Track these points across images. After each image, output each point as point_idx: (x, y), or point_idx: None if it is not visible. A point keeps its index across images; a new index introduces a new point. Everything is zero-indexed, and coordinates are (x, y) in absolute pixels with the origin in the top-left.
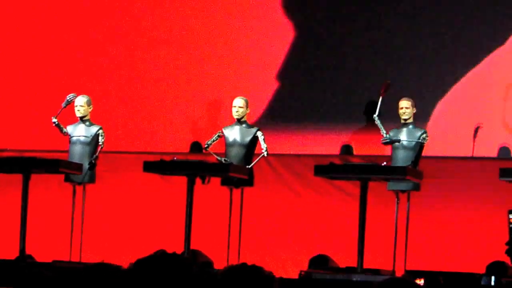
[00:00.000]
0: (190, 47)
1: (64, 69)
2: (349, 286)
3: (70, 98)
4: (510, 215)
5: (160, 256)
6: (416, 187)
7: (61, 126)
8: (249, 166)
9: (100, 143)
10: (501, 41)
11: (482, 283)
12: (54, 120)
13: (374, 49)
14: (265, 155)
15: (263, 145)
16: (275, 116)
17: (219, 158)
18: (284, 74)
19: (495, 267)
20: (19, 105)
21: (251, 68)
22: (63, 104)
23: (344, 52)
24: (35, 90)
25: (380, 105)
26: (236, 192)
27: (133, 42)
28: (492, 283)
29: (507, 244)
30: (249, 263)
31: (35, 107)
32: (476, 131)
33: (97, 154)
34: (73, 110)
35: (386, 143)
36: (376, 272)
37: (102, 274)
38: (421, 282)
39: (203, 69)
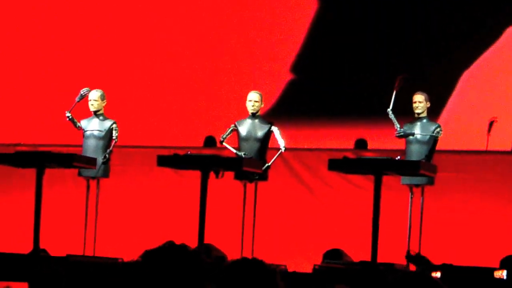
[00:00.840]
0: (202, 43)
1: (78, 64)
2: (364, 277)
3: (84, 93)
4: None
5: (168, 247)
6: (430, 182)
7: (75, 120)
8: (268, 164)
9: (114, 138)
10: None
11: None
12: (68, 114)
13: (390, 43)
14: (283, 151)
15: (281, 141)
16: (288, 109)
17: (236, 152)
18: (298, 67)
19: (509, 261)
20: (33, 100)
21: (264, 61)
22: (76, 99)
23: (358, 46)
24: (49, 85)
25: (394, 99)
26: (250, 186)
27: (146, 37)
28: (505, 277)
29: None
30: (263, 258)
31: (49, 102)
32: (490, 125)
33: (111, 148)
34: (87, 104)
35: (400, 137)
36: (390, 266)
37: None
38: (437, 275)
39: (216, 63)
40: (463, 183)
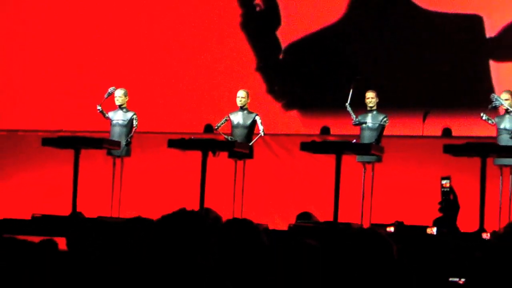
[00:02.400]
0: (203, 47)
1: (106, 66)
2: (328, 234)
3: (111, 91)
4: (442, 180)
5: (181, 212)
6: (379, 159)
7: (104, 112)
8: (250, 144)
9: (134, 126)
10: None
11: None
12: (99, 107)
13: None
14: (262, 135)
15: (260, 127)
16: (270, 102)
17: (226, 137)
18: (279, 71)
19: (438, 221)
20: (71, 96)
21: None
22: (105, 95)
23: (324, 55)
24: (84, 83)
25: (351, 95)
26: (240, 163)
27: (162, 44)
28: (435, 233)
29: (439, 203)
30: (249, 218)
31: (84, 97)
32: (425, 115)
33: (132, 134)
34: (113, 100)
35: (355, 125)
36: (348, 225)
37: (138, 226)
38: (391, 229)
39: (214, 65)
40: (404, 161)
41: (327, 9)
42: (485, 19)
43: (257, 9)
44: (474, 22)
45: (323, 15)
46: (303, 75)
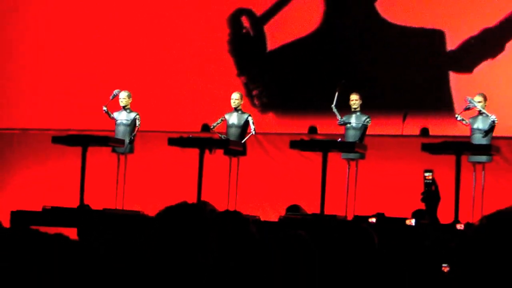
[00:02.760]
0: (199, 57)
1: (111, 70)
2: (315, 225)
3: (116, 93)
4: (425, 173)
5: (184, 205)
6: (362, 157)
7: (109, 112)
8: (243, 141)
9: (137, 125)
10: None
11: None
12: (104, 108)
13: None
14: (254, 133)
15: (252, 127)
16: (264, 104)
17: (220, 136)
18: (269, 75)
19: (417, 213)
20: (79, 97)
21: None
22: (110, 97)
23: (312, 59)
24: (90, 86)
25: (337, 97)
26: (234, 160)
27: (162, 48)
28: (414, 224)
29: (422, 194)
30: (243, 210)
31: (91, 99)
32: (404, 116)
33: (135, 132)
34: (118, 101)
35: (340, 124)
36: (333, 217)
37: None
38: (373, 220)
39: (212, 70)
40: (386, 158)
41: (304, 21)
42: (446, 34)
43: (244, 31)
44: (436, 36)
45: (302, 25)
46: (288, 80)
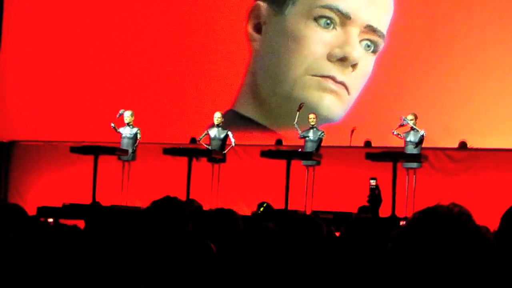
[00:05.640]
0: (189, 82)
1: (120, 93)
2: (280, 219)
3: (121, 112)
4: (370, 180)
5: (166, 199)
6: (318, 163)
7: (116, 127)
8: (224, 152)
9: (138, 138)
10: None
11: None
12: (112, 124)
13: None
14: (233, 145)
15: (232, 140)
16: (240, 120)
17: (207, 146)
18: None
19: (362, 209)
20: (92, 115)
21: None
22: (117, 115)
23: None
24: (101, 106)
25: (298, 116)
26: (216, 166)
27: (159, 74)
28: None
29: (368, 196)
30: (223, 207)
31: (102, 117)
32: (352, 131)
33: (137, 144)
34: (123, 119)
35: (301, 138)
36: (295, 212)
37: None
38: (330, 216)
39: (199, 88)
40: (337, 164)
41: None
42: None
43: None
44: None
45: None
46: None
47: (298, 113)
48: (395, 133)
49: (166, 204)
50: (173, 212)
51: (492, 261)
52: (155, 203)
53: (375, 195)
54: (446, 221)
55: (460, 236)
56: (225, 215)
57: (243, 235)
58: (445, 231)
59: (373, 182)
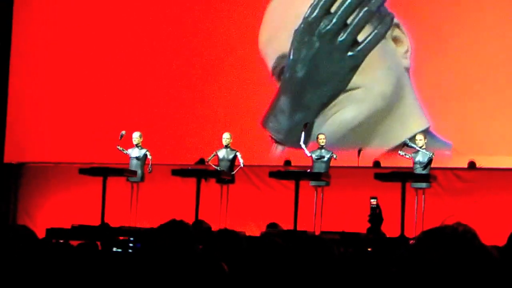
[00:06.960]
0: (196, 103)
1: (127, 115)
2: (289, 238)
3: (122, 134)
4: (371, 199)
5: (172, 223)
6: (328, 184)
7: (123, 149)
8: (233, 173)
9: (149, 157)
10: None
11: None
12: (118, 147)
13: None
14: (242, 166)
15: (241, 160)
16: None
17: (215, 167)
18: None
19: (369, 229)
20: (100, 137)
21: (238, 111)
22: (119, 138)
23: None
24: (109, 128)
25: (304, 136)
26: (224, 187)
27: (166, 95)
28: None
29: (368, 216)
30: (232, 228)
31: (110, 139)
32: (359, 151)
33: (150, 165)
34: (131, 140)
35: (313, 158)
36: (304, 232)
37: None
38: (337, 236)
39: (206, 113)
40: (346, 185)
41: None
42: None
43: None
44: None
45: None
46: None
47: (303, 133)
48: (401, 153)
49: (172, 228)
50: (179, 236)
51: (498, 279)
52: (160, 227)
53: (376, 214)
54: (451, 240)
55: (466, 254)
56: (228, 236)
57: (252, 250)
58: (450, 250)
59: (373, 201)
